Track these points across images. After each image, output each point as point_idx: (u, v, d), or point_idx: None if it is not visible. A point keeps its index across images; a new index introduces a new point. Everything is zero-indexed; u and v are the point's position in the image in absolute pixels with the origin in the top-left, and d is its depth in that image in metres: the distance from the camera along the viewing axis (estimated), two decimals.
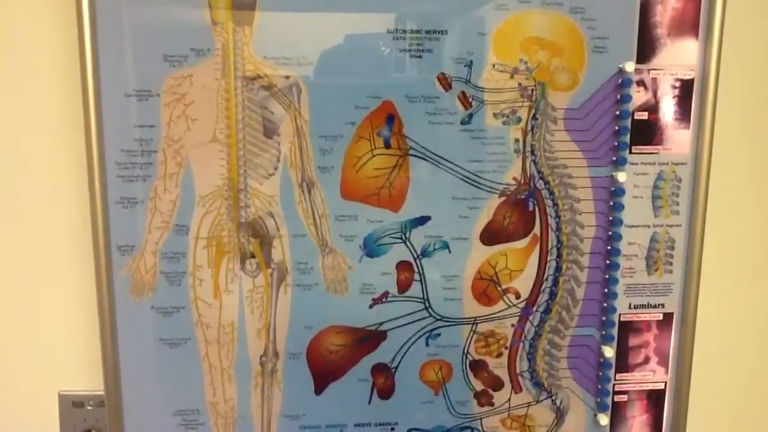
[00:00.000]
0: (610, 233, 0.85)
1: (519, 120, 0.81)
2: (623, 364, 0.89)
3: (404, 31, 0.78)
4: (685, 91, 0.83)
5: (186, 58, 0.76)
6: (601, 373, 0.88)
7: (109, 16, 0.75)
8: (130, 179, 0.78)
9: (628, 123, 0.83)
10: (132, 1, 0.75)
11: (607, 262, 0.86)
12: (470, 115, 0.80)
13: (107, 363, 0.81)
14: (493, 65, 0.80)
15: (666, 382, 0.90)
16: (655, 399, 0.90)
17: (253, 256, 0.81)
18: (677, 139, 0.84)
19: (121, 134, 0.77)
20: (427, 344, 0.85)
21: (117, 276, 0.80)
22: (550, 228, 0.85)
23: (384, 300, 0.84)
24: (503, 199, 0.83)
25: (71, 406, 0.88)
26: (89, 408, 0.88)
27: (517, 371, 0.88)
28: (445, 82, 0.79)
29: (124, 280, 0.80)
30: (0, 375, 0.88)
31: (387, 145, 0.80)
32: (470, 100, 0.80)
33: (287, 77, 0.77)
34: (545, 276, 0.86)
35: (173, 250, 0.80)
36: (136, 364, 0.82)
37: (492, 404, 0.88)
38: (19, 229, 0.85)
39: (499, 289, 0.85)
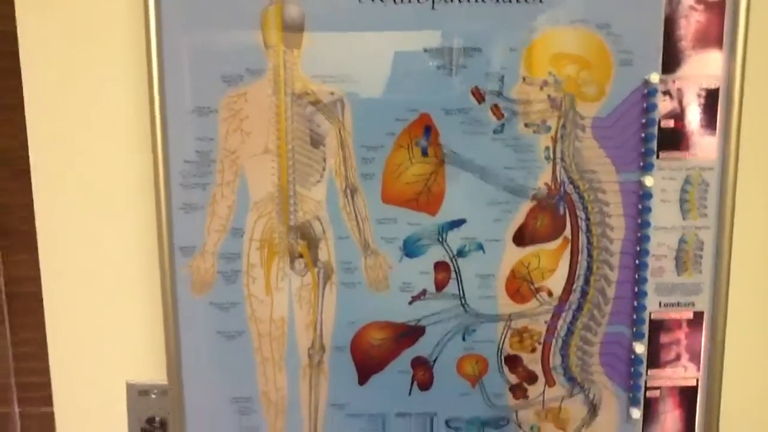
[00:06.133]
0: (639, 235, 0.85)
1: (549, 129, 0.83)
2: (654, 361, 0.88)
3: (441, 50, 0.80)
4: (711, 99, 0.83)
5: (241, 78, 0.80)
6: (632, 369, 0.88)
7: (173, 42, 0.80)
8: (192, 187, 0.83)
9: (655, 130, 0.83)
10: (193, 28, 0.79)
11: (637, 262, 0.86)
12: (502, 125, 0.82)
13: (170, 355, 0.85)
14: (524, 79, 0.81)
15: (697, 379, 0.89)
16: (687, 395, 0.89)
17: (302, 257, 0.84)
18: (703, 145, 0.84)
19: (183, 146, 0.82)
20: (463, 339, 0.87)
21: (179, 275, 0.84)
22: (580, 230, 0.85)
23: (422, 297, 0.86)
24: (535, 203, 0.85)
25: (137, 394, 0.92)
26: (153, 396, 0.91)
27: (551, 366, 0.88)
28: (479, 95, 0.81)
29: (186, 278, 0.84)
30: (73, 365, 0.92)
31: (424, 154, 0.83)
32: (502, 111, 0.82)
33: (332, 93, 0.81)
34: (576, 275, 0.86)
35: (230, 251, 0.84)
36: (196, 356, 0.86)
37: (527, 397, 0.89)
38: (92, 234, 0.89)
39: (532, 287, 0.87)
